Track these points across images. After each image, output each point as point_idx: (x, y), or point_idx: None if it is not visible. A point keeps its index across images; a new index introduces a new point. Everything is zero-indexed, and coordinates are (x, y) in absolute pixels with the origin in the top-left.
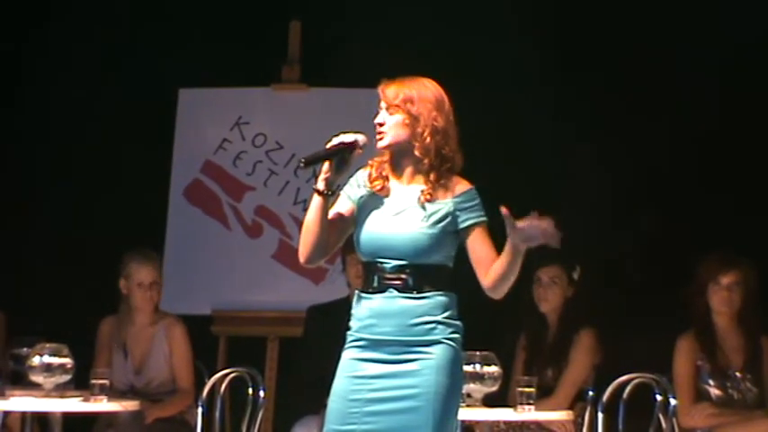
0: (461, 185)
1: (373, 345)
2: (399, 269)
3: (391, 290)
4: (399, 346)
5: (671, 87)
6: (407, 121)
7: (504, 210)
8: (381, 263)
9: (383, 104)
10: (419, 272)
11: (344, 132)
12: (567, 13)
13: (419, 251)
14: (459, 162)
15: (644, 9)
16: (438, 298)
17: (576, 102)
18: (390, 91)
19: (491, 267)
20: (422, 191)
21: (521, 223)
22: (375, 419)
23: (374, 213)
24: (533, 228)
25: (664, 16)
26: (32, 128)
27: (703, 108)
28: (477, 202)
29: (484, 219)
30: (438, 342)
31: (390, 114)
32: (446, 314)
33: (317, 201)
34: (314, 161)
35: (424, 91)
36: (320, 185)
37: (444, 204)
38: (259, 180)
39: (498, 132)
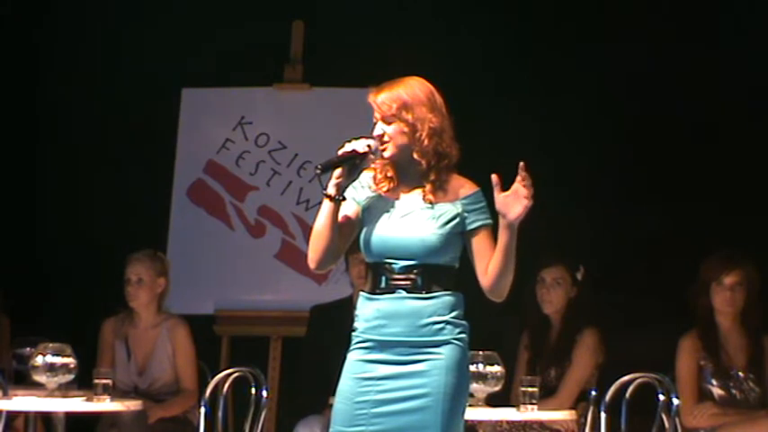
0: (468, 187)
1: (381, 346)
2: (408, 269)
3: (400, 290)
4: (408, 347)
5: (670, 88)
6: (406, 129)
7: (494, 177)
8: (389, 263)
9: (377, 115)
10: (428, 272)
11: (354, 138)
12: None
13: (429, 252)
14: (455, 154)
15: None
16: (446, 298)
17: (579, 102)
18: (383, 101)
19: (488, 266)
20: (423, 191)
21: (506, 192)
22: (383, 420)
23: (382, 215)
24: (518, 192)
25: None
26: (35, 129)
27: (704, 108)
28: (483, 204)
29: (490, 221)
30: (447, 342)
31: (388, 125)
32: (454, 314)
33: (327, 206)
34: (330, 167)
35: (416, 93)
36: (331, 191)
37: (453, 206)
38: (262, 180)
39: (500, 132)
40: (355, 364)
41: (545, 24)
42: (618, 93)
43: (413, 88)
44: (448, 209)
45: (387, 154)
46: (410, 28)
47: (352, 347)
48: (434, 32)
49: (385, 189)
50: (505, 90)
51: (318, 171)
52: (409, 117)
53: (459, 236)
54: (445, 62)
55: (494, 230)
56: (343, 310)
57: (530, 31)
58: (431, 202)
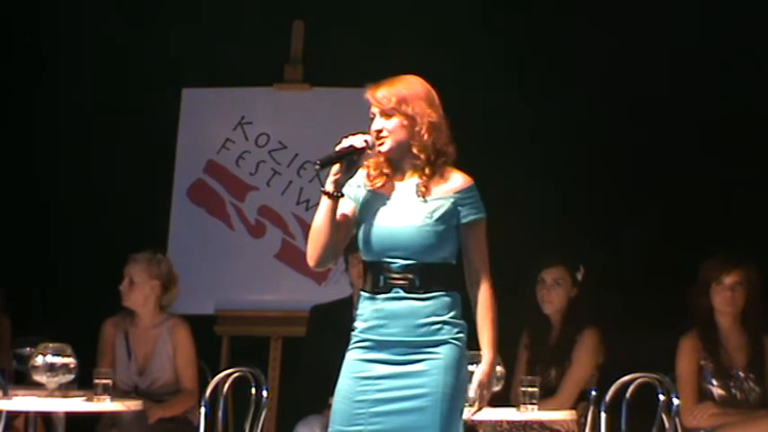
0: (462, 180)
1: (379, 346)
2: (406, 268)
3: (397, 290)
4: (406, 347)
5: (671, 87)
6: (405, 123)
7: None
8: (388, 262)
9: (375, 110)
10: (426, 271)
11: (352, 134)
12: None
13: (426, 247)
14: (452, 153)
15: None
16: (444, 298)
17: (579, 101)
18: (381, 96)
19: (479, 304)
20: (417, 185)
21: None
22: (382, 420)
23: (378, 211)
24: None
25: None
26: (36, 129)
27: (703, 109)
28: (477, 197)
29: (483, 215)
30: (445, 342)
31: (387, 119)
32: (452, 314)
33: (326, 203)
34: (328, 163)
35: (415, 89)
36: (329, 187)
37: (446, 200)
38: (262, 180)
39: (500, 131)
40: (354, 364)
41: (545, 21)
42: (619, 91)
43: (411, 84)
44: (442, 203)
45: (384, 148)
46: (410, 28)
47: (350, 347)
48: (434, 32)
49: (380, 185)
50: (505, 89)
51: (318, 166)
52: (409, 110)
53: (455, 230)
54: (445, 61)
55: (487, 224)
56: (343, 310)
57: (529, 28)
58: (424, 197)
